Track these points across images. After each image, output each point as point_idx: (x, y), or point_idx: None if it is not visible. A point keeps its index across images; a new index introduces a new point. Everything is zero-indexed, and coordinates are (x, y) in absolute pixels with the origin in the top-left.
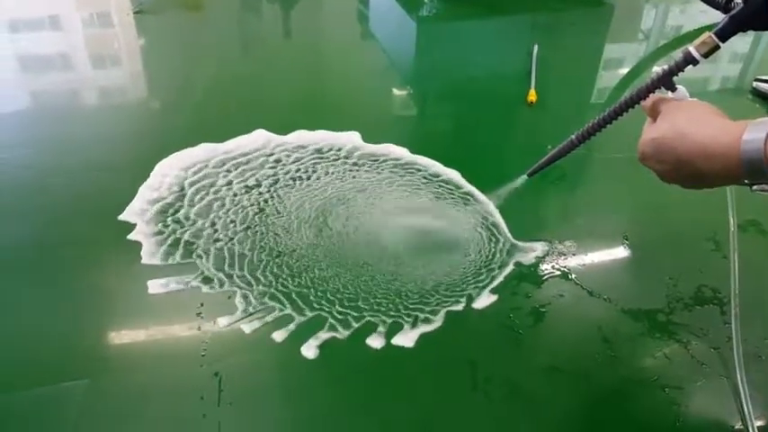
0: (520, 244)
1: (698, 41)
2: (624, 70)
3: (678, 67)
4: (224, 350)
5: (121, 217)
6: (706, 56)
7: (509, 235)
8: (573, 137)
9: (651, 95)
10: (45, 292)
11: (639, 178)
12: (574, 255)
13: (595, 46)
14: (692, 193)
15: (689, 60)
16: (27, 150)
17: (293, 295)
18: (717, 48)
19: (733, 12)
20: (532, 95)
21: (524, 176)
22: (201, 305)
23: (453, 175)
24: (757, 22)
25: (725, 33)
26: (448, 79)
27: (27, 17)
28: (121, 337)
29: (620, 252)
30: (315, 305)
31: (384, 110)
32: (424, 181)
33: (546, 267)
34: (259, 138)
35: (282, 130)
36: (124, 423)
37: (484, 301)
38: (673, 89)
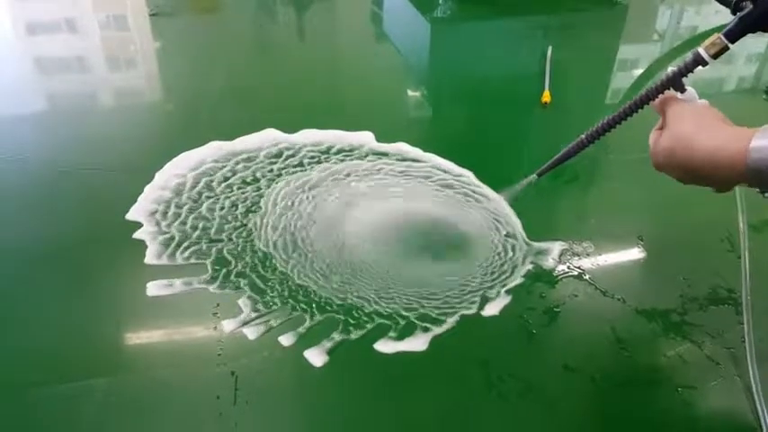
0: (536, 245)
1: (707, 42)
2: (639, 71)
3: (687, 68)
4: (240, 350)
5: (129, 216)
6: (715, 57)
7: (524, 236)
8: (583, 136)
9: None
10: (60, 291)
11: (653, 178)
12: (588, 255)
13: (609, 47)
14: (707, 193)
15: (698, 61)
16: (46, 151)
17: (304, 297)
18: (726, 49)
19: (742, 13)
20: (546, 96)
21: (534, 176)
22: (218, 305)
23: (467, 174)
24: (766, 23)
25: (734, 34)
26: (462, 80)
27: (44, 20)
28: (138, 336)
29: (635, 252)
30: (326, 307)
31: (398, 110)
32: (437, 180)
33: (560, 267)
34: (268, 136)
35: (294, 129)
36: (142, 421)
37: (498, 303)
38: (682, 90)
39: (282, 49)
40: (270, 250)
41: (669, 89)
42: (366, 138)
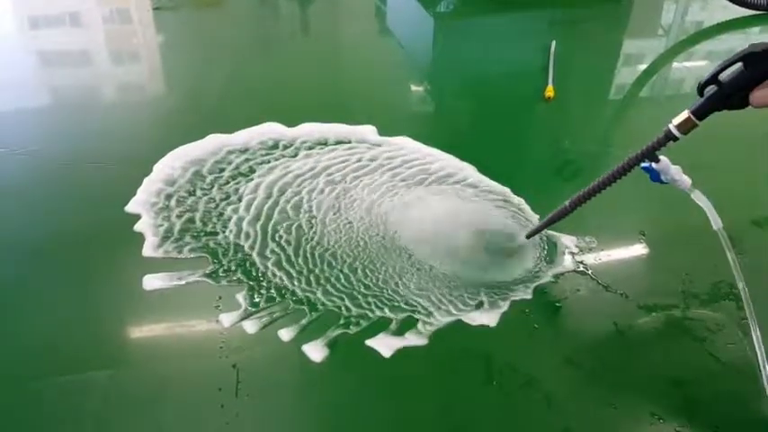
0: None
1: (678, 120)
2: (643, 66)
3: (660, 144)
4: (242, 343)
5: (127, 208)
6: (685, 133)
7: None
8: (567, 203)
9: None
10: (63, 284)
11: None
12: (590, 250)
13: (614, 42)
14: (709, 189)
15: (669, 137)
16: (49, 144)
17: (304, 291)
18: (695, 126)
19: (708, 94)
20: (550, 91)
21: (523, 238)
22: (219, 298)
23: (469, 169)
24: (729, 104)
25: (701, 113)
26: (465, 75)
27: (48, 13)
28: (141, 329)
29: (637, 248)
30: (326, 301)
31: (400, 105)
32: (442, 174)
33: (564, 263)
34: (267, 130)
35: (295, 123)
36: (144, 413)
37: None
38: (656, 161)
39: (285, 43)
40: (275, 241)
41: (645, 161)
42: (367, 132)
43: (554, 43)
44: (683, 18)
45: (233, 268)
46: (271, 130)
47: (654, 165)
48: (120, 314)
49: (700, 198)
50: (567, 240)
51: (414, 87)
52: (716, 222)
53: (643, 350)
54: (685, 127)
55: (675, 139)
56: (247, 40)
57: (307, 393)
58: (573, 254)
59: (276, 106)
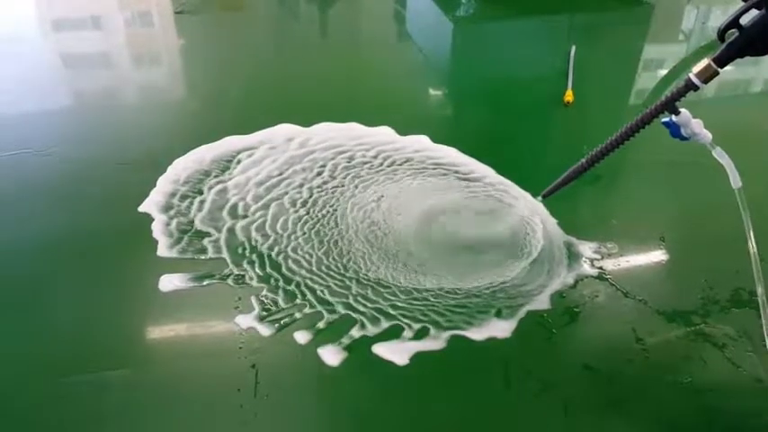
0: (573, 240)
1: (698, 68)
2: (663, 71)
3: (680, 93)
4: (260, 344)
5: (141, 209)
6: (705, 81)
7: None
8: (583, 161)
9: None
10: (81, 284)
11: (677, 180)
12: (610, 255)
13: (634, 46)
14: (730, 195)
15: (690, 86)
16: (71, 145)
17: (322, 293)
18: (716, 74)
19: (729, 40)
20: (569, 96)
21: (539, 198)
22: (239, 299)
23: (485, 170)
24: (752, 49)
25: (722, 60)
26: (484, 79)
27: (71, 17)
28: (162, 329)
29: (657, 253)
30: (344, 303)
31: (419, 108)
32: (454, 177)
33: (583, 268)
34: (282, 130)
35: (314, 124)
36: (164, 412)
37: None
38: (677, 113)
39: (305, 46)
40: (291, 244)
41: (664, 113)
42: (384, 133)
43: (574, 48)
44: (704, 24)
45: (234, 272)
46: (285, 130)
47: (674, 118)
48: (138, 314)
49: (721, 155)
50: (587, 246)
51: (432, 90)
52: (735, 182)
53: (662, 357)
54: (705, 75)
55: (696, 88)
56: (268, 43)
57: (324, 395)
58: (593, 260)
59: (295, 108)
